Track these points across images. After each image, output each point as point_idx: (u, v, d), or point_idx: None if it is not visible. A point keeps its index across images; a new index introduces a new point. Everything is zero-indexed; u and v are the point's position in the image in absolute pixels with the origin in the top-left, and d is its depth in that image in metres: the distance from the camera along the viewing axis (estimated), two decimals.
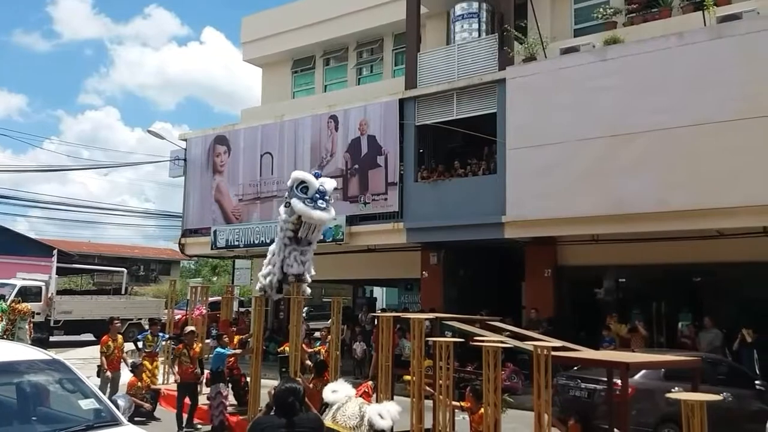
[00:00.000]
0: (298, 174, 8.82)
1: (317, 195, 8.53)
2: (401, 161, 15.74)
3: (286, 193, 8.96)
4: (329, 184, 8.87)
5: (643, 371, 8.76)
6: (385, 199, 15.82)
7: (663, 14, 14.18)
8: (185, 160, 19.88)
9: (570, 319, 14.93)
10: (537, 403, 5.60)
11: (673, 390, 7.10)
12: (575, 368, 9.52)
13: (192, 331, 10.83)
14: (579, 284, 15.68)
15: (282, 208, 9.07)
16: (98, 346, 12.16)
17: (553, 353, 5.73)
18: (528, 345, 6.27)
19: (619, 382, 6.56)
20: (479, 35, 15.64)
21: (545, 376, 5.56)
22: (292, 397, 4.13)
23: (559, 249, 15.20)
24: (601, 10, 14.87)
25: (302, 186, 8.60)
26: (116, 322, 12.11)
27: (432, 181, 15.33)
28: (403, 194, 15.60)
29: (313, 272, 9.22)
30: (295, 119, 17.72)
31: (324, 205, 8.59)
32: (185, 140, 20.25)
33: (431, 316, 8.48)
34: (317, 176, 8.81)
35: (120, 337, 11.87)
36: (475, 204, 14.21)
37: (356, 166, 16.43)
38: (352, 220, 16.21)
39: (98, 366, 11.71)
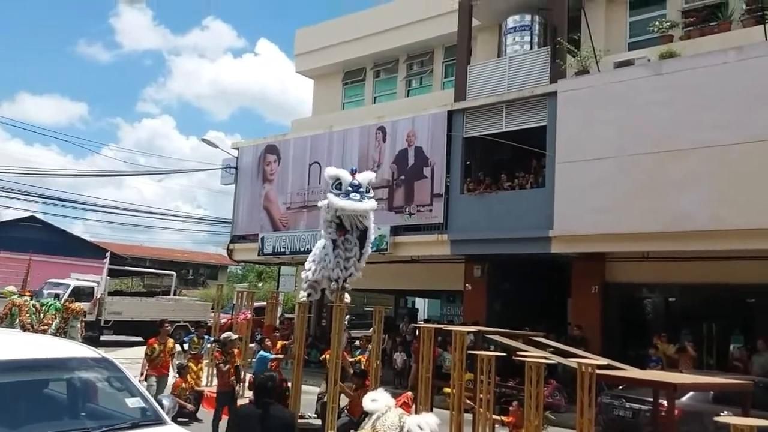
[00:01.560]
0: (332, 171, 8.78)
1: (350, 188, 8.50)
2: (447, 173, 15.70)
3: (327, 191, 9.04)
4: (364, 176, 8.79)
5: (691, 393, 8.50)
6: (430, 211, 15.79)
7: (722, 27, 13.81)
8: (236, 168, 20.26)
9: (616, 338, 14.58)
10: (580, 422, 5.47)
11: (721, 414, 6.85)
12: (620, 387, 9.27)
13: (233, 339, 10.75)
14: (627, 302, 15.32)
15: (323, 209, 9.10)
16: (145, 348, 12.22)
17: (598, 371, 5.60)
18: (572, 362, 6.14)
19: (665, 403, 6.37)
20: (531, 48, 15.52)
21: (589, 394, 5.43)
22: (270, 382, 4.97)
23: (607, 265, 14.89)
24: (657, 23, 14.57)
25: (336, 182, 8.60)
26: (166, 325, 12.09)
27: (478, 194, 15.23)
28: (449, 206, 15.54)
29: (357, 275, 9.19)
30: (343, 130, 17.88)
31: (358, 197, 8.51)
32: (237, 149, 20.63)
33: (474, 329, 8.39)
34: (353, 171, 8.77)
35: (170, 340, 11.72)
36: (522, 217, 14.05)
37: (402, 177, 16.45)
38: (396, 230, 16.23)
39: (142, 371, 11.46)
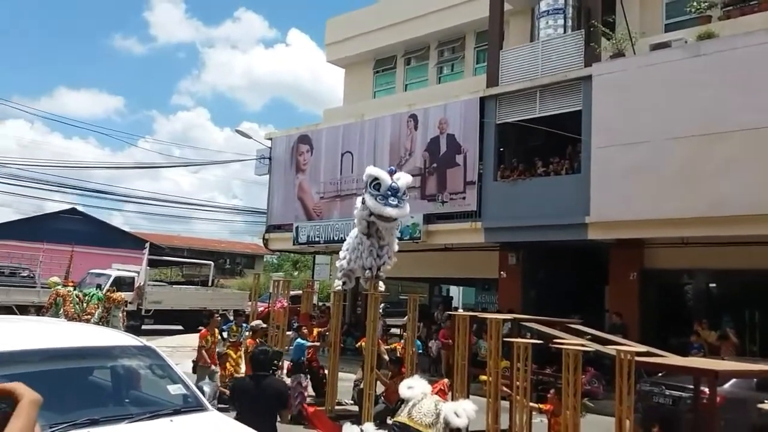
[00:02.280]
0: (372, 170, 8.84)
1: (389, 192, 8.50)
2: (480, 160, 15.61)
3: (364, 189, 9.06)
4: (403, 180, 8.81)
5: (733, 380, 8.34)
6: (464, 198, 15.72)
7: (762, 7, 13.39)
8: (270, 158, 20.46)
9: (655, 325, 14.38)
10: (618, 409, 5.42)
11: (765, 401, 6.70)
12: (660, 375, 9.15)
13: (263, 327, 10.82)
14: (666, 288, 15.09)
15: (358, 202, 9.15)
16: (189, 336, 12.38)
17: (638, 358, 5.54)
18: (611, 349, 6.09)
19: (707, 390, 6.26)
20: (564, 31, 15.29)
21: (628, 381, 5.37)
22: (263, 355, 5.60)
23: (645, 251, 14.67)
24: (695, 3, 14.19)
25: (375, 183, 8.61)
26: (217, 316, 12.16)
27: (512, 181, 15.12)
28: (482, 193, 15.47)
29: (390, 264, 9.22)
30: (375, 118, 17.89)
31: (395, 202, 8.53)
32: (270, 139, 20.82)
33: (509, 316, 8.37)
34: (392, 172, 8.77)
35: (216, 331, 11.76)
36: (557, 204, 13.92)
37: (434, 165, 16.41)
38: (429, 218, 16.21)
39: (194, 361, 11.51)
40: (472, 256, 17.19)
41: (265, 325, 11.21)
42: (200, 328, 13.13)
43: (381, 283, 9.30)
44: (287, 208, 19.78)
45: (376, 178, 8.63)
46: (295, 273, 43.10)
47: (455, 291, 23.18)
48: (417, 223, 15.96)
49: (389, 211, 8.48)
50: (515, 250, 16.37)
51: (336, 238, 17.61)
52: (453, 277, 19.94)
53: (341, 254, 9.68)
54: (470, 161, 15.71)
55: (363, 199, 8.86)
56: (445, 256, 17.55)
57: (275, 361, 5.77)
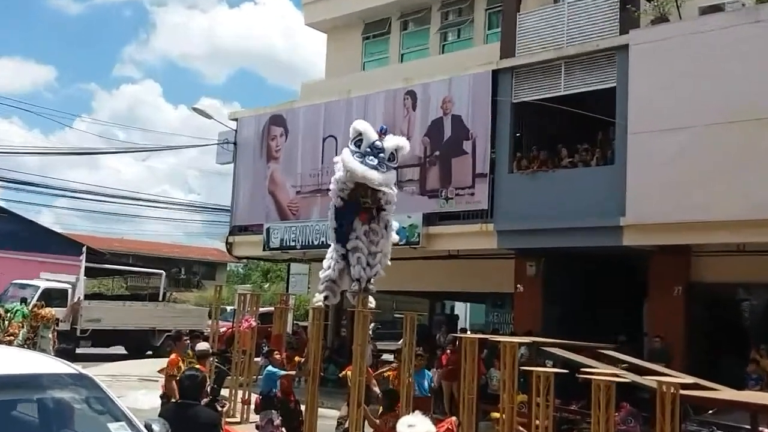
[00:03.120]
0: (356, 124, 8.75)
1: (368, 149, 8.43)
2: (493, 148, 15.64)
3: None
4: (393, 141, 8.71)
5: None
6: (472, 194, 15.74)
7: None
8: (235, 143, 20.43)
9: (705, 351, 14.42)
10: None
11: None
12: (710, 412, 9.19)
13: (208, 352, 10.68)
14: (717, 306, 15.13)
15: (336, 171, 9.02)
16: (135, 363, 12.25)
17: (683, 392, 5.56)
18: (650, 380, 6.12)
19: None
20: None
21: (672, 420, 5.40)
22: (189, 381, 5.76)
23: (693, 261, 14.70)
24: None
25: (358, 139, 8.53)
26: (185, 337, 11.99)
27: (531, 173, 15.15)
28: (495, 188, 15.50)
29: (381, 272, 9.18)
30: (364, 95, 17.89)
31: (375, 162, 8.43)
32: (236, 120, 20.79)
33: (527, 340, 8.39)
34: (383, 131, 8.69)
35: (190, 353, 11.29)
36: (586, 202, 13.96)
37: (437, 153, 16.43)
38: (430, 219, 16.22)
39: (162, 395, 11.16)
40: (481, 266, 17.20)
41: (212, 350, 11.07)
42: (169, 350, 12.94)
43: (371, 299, 9.27)
44: (256, 205, 19.74)
45: (359, 133, 8.54)
46: (266, 285, 43.06)
47: (461, 308, 23.17)
48: (415, 224, 15.96)
49: (365, 171, 8.29)
50: (535, 259, 16.38)
51: (316, 242, 17.59)
52: (459, 292, 19.91)
53: (325, 262, 9.64)
54: (480, 149, 15.73)
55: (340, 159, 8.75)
56: (449, 265, 17.56)
57: (217, 387, 5.88)
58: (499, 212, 15.34)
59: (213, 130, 21.81)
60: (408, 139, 16.30)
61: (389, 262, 9.33)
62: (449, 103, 16.35)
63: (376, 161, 8.33)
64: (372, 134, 8.42)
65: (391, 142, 8.60)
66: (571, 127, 15.63)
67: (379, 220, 8.76)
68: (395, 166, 8.72)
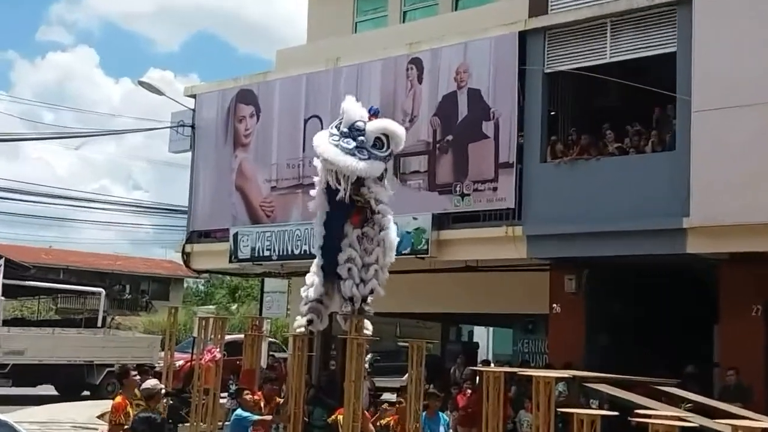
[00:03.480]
0: (348, 102, 8.77)
1: (346, 131, 8.44)
2: (521, 130, 15.62)
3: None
4: (377, 124, 8.69)
5: None
6: (494, 189, 15.69)
7: None
8: (193, 127, 20.41)
9: None
10: None
11: None
12: None
13: (157, 391, 10.61)
14: None
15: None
16: (67, 405, 12.17)
17: None
18: (723, 425, 6.07)
19: None
20: None
21: None
22: (144, 426, 6.38)
23: None
24: None
25: (341, 119, 8.58)
26: (133, 373, 11.92)
27: (569, 161, 15.10)
28: (523, 181, 15.46)
29: (379, 289, 9.14)
30: (356, 65, 17.86)
31: (350, 147, 8.42)
32: (193, 97, 20.77)
33: (566, 374, 8.33)
34: (371, 111, 8.68)
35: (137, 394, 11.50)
36: (640, 198, 13.93)
37: (449, 138, 16.39)
38: (441, 221, 16.19)
39: None
40: (507, 281, 17.17)
41: (165, 389, 11.00)
42: (112, 392, 12.87)
43: (367, 323, 9.26)
44: (220, 204, 19.73)
45: (342, 112, 8.59)
46: (234, 306, 43.00)
47: (482, 334, 23.15)
48: (422, 228, 15.92)
49: (339, 158, 8.31)
50: (575, 271, 16.29)
51: (297, 251, 17.55)
52: (479, 314, 19.86)
53: (309, 278, 9.62)
54: (504, 131, 15.67)
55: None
56: (467, 280, 17.53)
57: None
58: (529, 212, 15.29)
59: (165, 110, 21.82)
60: (412, 120, 16.74)
61: (388, 276, 9.29)
62: (465, 74, 16.29)
63: (353, 144, 8.35)
64: (353, 113, 8.48)
65: (375, 124, 8.60)
66: (620, 104, 15.59)
67: (374, 223, 8.73)
68: (385, 155, 8.71)
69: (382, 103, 17.06)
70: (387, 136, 8.78)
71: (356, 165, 8.40)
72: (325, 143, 8.39)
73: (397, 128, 8.96)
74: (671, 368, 13.34)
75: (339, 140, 8.43)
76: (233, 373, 15.46)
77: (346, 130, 8.45)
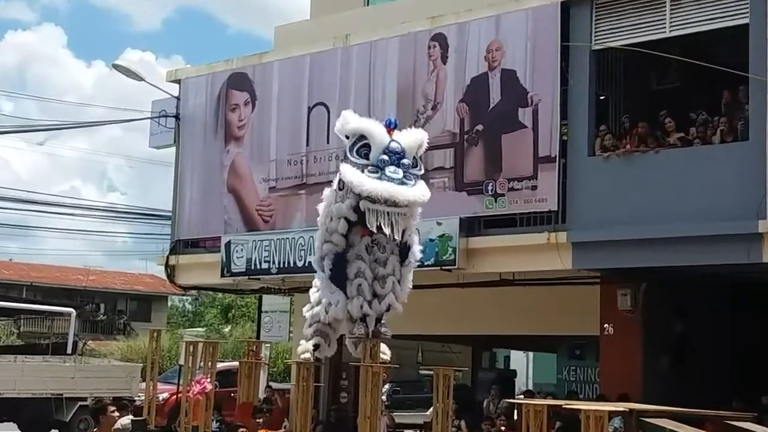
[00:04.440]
0: (350, 119, 8.68)
1: (385, 157, 8.38)
2: (564, 118, 15.60)
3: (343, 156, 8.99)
4: (411, 137, 8.65)
5: None
6: (534, 188, 15.66)
7: None
8: (177, 117, 20.48)
9: None
10: None
11: None
12: None
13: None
14: None
15: (329, 189, 9.01)
16: None
17: None
18: None
19: None
20: None
21: None
22: None
23: None
24: None
25: (361, 143, 8.46)
26: (111, 409, 12.02)
27: (623, 154, 15.04)
28: (568, 178, 15.44)
29: (396, 305, 9.13)
30: (369, 43, 17.88)
31: (399, 175, 8.38)
32: (177, 83, 20.85)
33: (621, 407, 8.31)
34: (390, 125, 8.63)
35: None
36: (707, 198, 13.88)
37: (480, 128, 16.36)
38: (470, 226, 16.18)
39: None
40: (550, 296, 17.16)
41: (147, 425, 11.07)
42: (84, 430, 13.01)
43: (384, 348, 9.25)
44: (210, 208, 19.80)
45: (361, 136, 8.49)
46: (227, 329, 43.04)
47: (520, 360, 23.11)
48: (448, 235, 15.89)
49: (391, 190, 8.29)
50: (630, 284, 16.22)
51: (300, 263, 17.56)
52: (516, 335, 19.83)
53: (313, 294, 9.64)
54: (545, 120, 15.65)
55: (339, 178, 8.74)
56: (502, 295, 17.53)
57: None
58: (574, 215, 15.27)
59: (144, 98, 21.81)
60: (435, 107, 16.79)
61: (410, 288, 9.27)
62: (497, 53, 16.26)
63: (399, 173, 8.29)
64: (382, 133, 8.37)
65: (409, 139, 8.55)
66: (682, 87, 15.50)
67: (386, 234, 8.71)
68: (422, 171, 8.70)
69: (399, 88, 17.22)
70: (420, 151, 8.79)
71: (410, 194, 8.39)
72: (367, 180, 8.29)
73: (422, 138, 8.96)
74: (746, 399, 13.31)
75: (381, 172, 8.34)
76: (216, 407, 15.45)
77: (384, 156, 8.35)
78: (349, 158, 8.49)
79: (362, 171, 8.26)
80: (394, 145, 8.37)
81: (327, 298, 9.14)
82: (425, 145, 8.90)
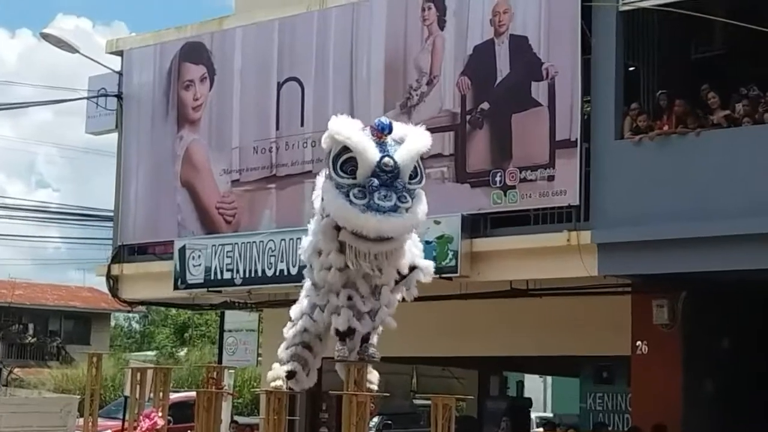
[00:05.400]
0: (336, 129, 8.60)
1: (376, 180, 8.32)
2: (586, 94, 15.59)
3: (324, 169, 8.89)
4: (408, 150, 8.56)
5: None
6: (551, 179, 15.64)
7: None
8: (119, 96, 20.45)
9: None
10: None
11: None
12: None
13: None
14: None
15: (319, 182, 8.97)
16: None
17: None
18: None
19: None
20: None
21: None
22: None
23: None
24: None
25: (344, 159, 8.38)
26: None
27: (657, 137, 15.03)
28: (592, 167, 15.42)
29: (389, 321, 9.11)
30: (351, 5, 17.87)
31: (391, 202, 8.33)
32: (119, 55, 20.85)
33: None
34: (384, 130, 8.55)
35: None
36: (759, 188, 13.89)
37: (484, 107, 16.34)
38: (475, 225, 16.17)
39: None
40: (570, 309, 17.20)
41: None
42: None
43: (372, 371, 9.23)
44: (160, 206, 19.83)
45: (344, 149, 8.41)
46: (182, 352, 43.02)
47: (536, 386, 23.14)
48: (448, 236, 15.84)
49: (375, 223, 8.23)
50: (668, 294, 16.22)
51: (270, 272, 17.56)
52: (530, 356, 19.85)
53: (294, 309, 9.62)
54: (564, 96, 15.64)
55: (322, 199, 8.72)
56: (513, 309, 17.57)
57: None
58: (600, 210, 15.25)
59: (80, 74, 21.70)
60: (431, 81, 16.78)
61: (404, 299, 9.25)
62: (505, 15, 16.24)
63: (392, 199, 8.25)
64: (369, 149, 8.27)
65: (407, 150, 8.48)
66: (724, 55, 15.49)
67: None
68: (422, 185, 8.67)
69: (387, 60, 17.18)
70: (419, 160, 8.72)
71: (403, 224, 8.41)
72: (347, 208, 8.24)
73: (426, 144, 8.87)
74: None
75: (369, 198, 8.26)
76: None
77: (372, 179, 8.26)
78: (333, 174, 8.42)
79: (347, 196, 8.22)
80: (386, 160, 8.31)
81: (315, 301, 9.13)
82: (428, 143, 8.87)
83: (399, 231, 8.32)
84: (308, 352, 9.44)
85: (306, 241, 9.34)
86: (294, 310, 9.67)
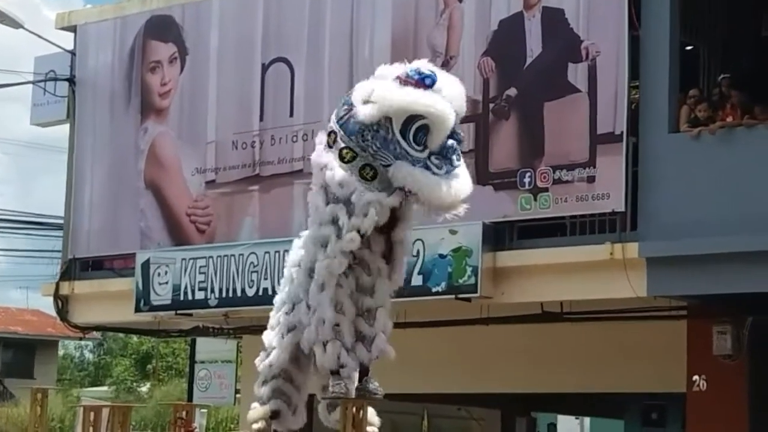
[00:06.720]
0: (407, 98, 8.49)
1: (450, 146, 8.34)
2: (634, 79, 15.61)
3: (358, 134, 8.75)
4: (459, 105, 8.57)
5: None
6: (591, 180, 15.64)
7: None
8: (72, 81, 20.50)
9: None
10: None
11: None
12: None
13: None
14: None
15: (315, 158, 8.89)
16: None
17: None
18: None
19: None
20: None
21: None
22: None
23: None
24: None
25: (418, 125, 8.32)
26: None
27: (720, 130, 15.02)
28: (640, 166, 15.43)
29: (387, 350, 9.11)
30: None
31: (460, 160, 8.36)
32: (72, 30, 20.91)
33: None
34: (430, 82, 8.49)
35: None
36: None
37: (511, 93, 16.35)
38: (499, 236, 16.21)
39: None
40: (614, 337, 17.18)
41: None
42: None
43: (372, 412, 9.22)
44: (119, 213, 19.90)
45: (410, 119, 8.36)
46: (145, 387, 43.10)
47: (571, 429, 23.13)
48: (467, 248, 15.86)
49: (459, 189, 8.27)
50: (731, 319, 16.24)
51: (252, 291, 17.60)
52: (564, 393, 19.87)
53: (268, 337, 9.63)
54: (607, 81, 15.66)
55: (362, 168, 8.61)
56: (544, 336, 17.57)
57: None
58: (650, 218, 15.26)
59: (24, 54, 21.70)
60: (447, 63, 16.79)
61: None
62: None
63: (459, 162, 8.31)
64: (449, 114, 8.28)
65: (458, 105, 8.51)
66: None
67: (372, 242, 8.70)
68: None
69: (394, 37, 17.24)
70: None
71: (464, 189, 8.49)
72: (417, 172, 8.25)
73: (463, 91, 9.00)
74: None
75: (449, 165, 8.34)
76: None
77: (452, 143, 8.35)
78: (406, 150, 8.37)
79: (424, 166, 8.22)
80: (457, 135, 8.42)
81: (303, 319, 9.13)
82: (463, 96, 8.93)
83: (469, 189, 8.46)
84: (290, 385, 9.43)
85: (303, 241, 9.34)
86: (267, 336, 9.66)
